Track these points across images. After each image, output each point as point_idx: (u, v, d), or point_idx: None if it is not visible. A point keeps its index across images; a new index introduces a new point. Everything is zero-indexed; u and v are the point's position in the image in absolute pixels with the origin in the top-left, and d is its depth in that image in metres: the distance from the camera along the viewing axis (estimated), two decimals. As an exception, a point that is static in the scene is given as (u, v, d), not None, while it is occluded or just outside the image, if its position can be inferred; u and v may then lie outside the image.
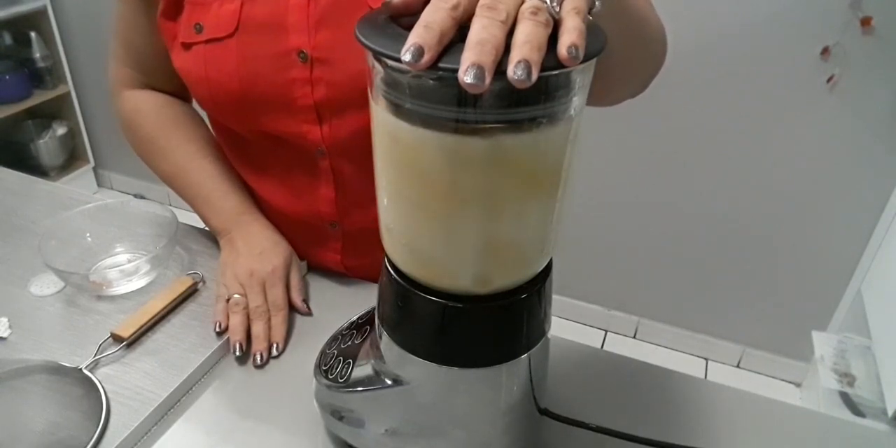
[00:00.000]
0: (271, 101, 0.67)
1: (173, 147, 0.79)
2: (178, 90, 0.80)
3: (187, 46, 0.68)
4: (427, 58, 0.32)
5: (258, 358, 0.67)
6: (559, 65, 0.33)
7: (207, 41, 0.66)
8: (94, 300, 0.74)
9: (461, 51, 0.32)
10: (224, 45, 0.66)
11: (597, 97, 0.58)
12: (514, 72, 0.31)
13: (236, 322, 0.69)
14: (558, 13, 0.35)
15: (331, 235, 0.78)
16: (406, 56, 0.32)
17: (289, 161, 0.73)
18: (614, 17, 0.47)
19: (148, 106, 0.80)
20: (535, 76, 0.32)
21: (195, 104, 0.80)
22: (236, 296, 0.70)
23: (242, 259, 0.74)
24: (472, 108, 0.35)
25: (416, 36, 0.32)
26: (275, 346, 0.68)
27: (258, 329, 0.69)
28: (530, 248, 0.45)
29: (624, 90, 0.66)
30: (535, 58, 0.32)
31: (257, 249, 0.74)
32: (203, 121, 0.83)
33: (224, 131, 0.77)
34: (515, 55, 0.32)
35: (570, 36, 0.33)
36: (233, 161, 0.81)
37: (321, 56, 0.64)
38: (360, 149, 0.68)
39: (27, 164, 2.41)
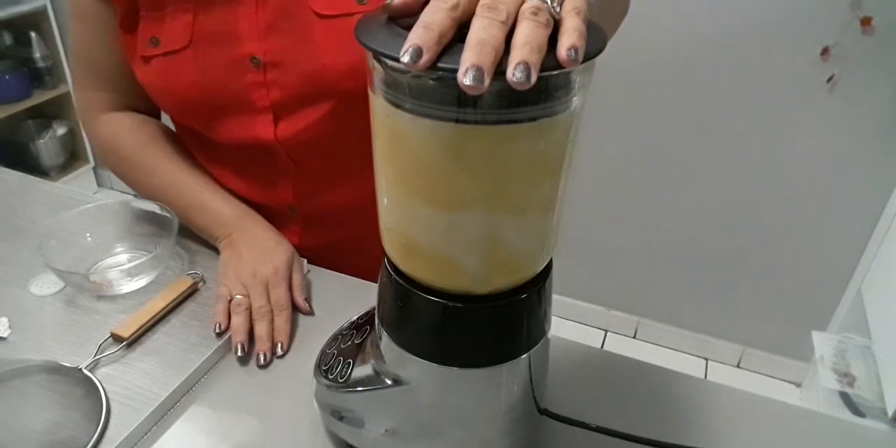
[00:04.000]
0: (231, 107, 0.70)
1: (160, 162, 0.80)
2: (152, 105, 0.81)
3: (146, 59, 0.70)
4: (426, 58, 0.32)
5: (261, 358, 0.67)
6: (559, 65, 0.33)
7: (165, 54, 0.69)
8: (94, 300, 0.74)
9: (461, 51, 0.32)
10: (181, 57, 0.68)
11: None
12: (513, 74, 0.31)
13: (238, 322, 0.69)
14: (558, 13, 0.35)
15: (290, 218, 0.81)
16: (405, 57, 0.32)
17: (248, 154, 0.75)
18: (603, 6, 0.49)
19: (125, 127, 0.81)
20: (534, 78, 0.32)
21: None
22: (238, 296, 0.70)
23: (245, 259, 0.74)
24: (471, 108, 0.35)
25: (415, 36, 0.32)
26: (279, 345, 0.68)
27: (261, 329, 0.69)
28: (530, 247, 0.45)
29: None
30: (535, 59, 0.32)
31: (259, 250, 0.75)
32: (178, 136, 0.85)
33: (185, 127, 0.79)
34: (515, 57, 0.32)
35: (570, 37, 0.33)
36: (192, 149, 0.82)
37: (273, 60, 0.67)
38: (316, 140, 0.71)
39: (27, 164, 2.41)
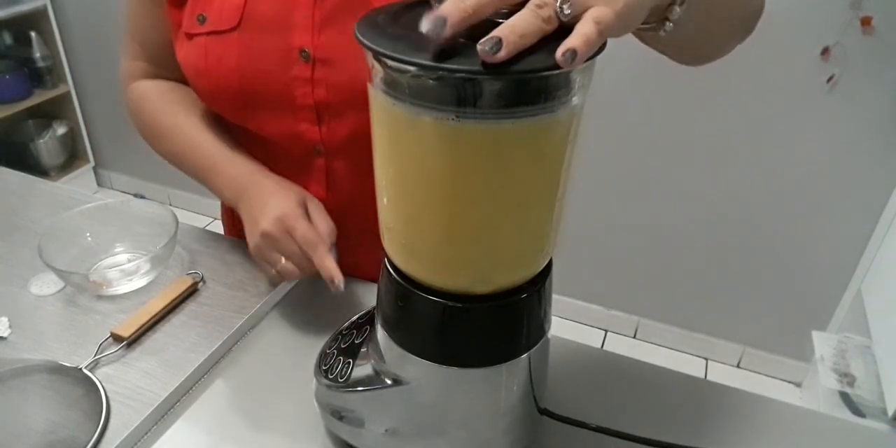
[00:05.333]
0: (271, 98, 0.67)
1: (179, 124, 0.76)
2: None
3: (190, 37, 0.68)
4: (447, 33, 0.33)
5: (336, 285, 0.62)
6: (556, 66, 0.33)
7: (210, 33, 0.66)
8: (94, 300, 0.74)
9: (464, 52, 0.32)
10: (226, 39, 0.66)
11: (706, 59, 0.65)
12: (483, 44, 0.32)
13: (293, 273, 0.65)
14: (566, 16, 0.34)
15: None
16: (424, 26, 0.33)
17: (281, 158, 0.73)
18: (701, 11, 0.47)
19: (153, 91, 0.79)
20: (504, 52, 0.32)
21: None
22: (280, 265, 0.65)
23: (257, 227, 0.66)
24: (471, 108, 0.35)
25: (447, 8, 0.33)
26: (335, 282, 0.62)
27: (308, 273, 0.64)
28: (530, 247, 0.45)
29: (730, 45, 0.69)
30: (513, 39, 0.33)
31: (260, 206, 0.68)
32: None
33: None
34: (492, 33, 0.32)
35: (573, 40, 0.33)
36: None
37: (323, 56, 0.64)
38: (356, 149, 0.67)
39: (27, 164, 2.41)
